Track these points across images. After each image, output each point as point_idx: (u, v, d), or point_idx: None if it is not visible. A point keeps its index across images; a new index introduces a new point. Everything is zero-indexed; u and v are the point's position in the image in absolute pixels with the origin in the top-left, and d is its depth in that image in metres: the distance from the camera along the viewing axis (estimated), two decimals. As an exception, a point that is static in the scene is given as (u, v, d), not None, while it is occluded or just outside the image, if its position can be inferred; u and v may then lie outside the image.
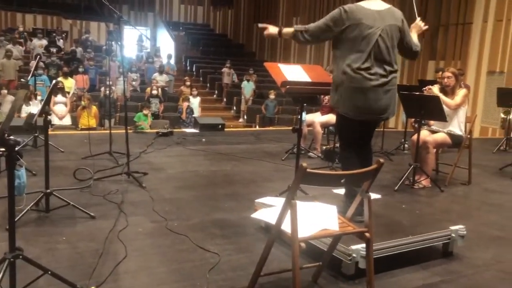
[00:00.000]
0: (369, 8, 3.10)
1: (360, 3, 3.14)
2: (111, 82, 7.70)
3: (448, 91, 4.81)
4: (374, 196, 3.76)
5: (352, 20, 3.06)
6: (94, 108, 9.53)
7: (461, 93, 4.77)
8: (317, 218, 2.32)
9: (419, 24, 3.47)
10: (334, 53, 3.25)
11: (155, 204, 3.76)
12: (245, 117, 13.59)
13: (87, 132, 6.51)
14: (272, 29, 3.33)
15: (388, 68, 3.12)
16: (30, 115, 3.62)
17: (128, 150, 4.48)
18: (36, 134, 5.76)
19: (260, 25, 3.44)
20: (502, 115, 8.34)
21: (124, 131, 4.61)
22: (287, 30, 3.28)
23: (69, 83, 10.90)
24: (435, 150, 4.88)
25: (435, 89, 4.90)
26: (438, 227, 3.12)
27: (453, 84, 4.79)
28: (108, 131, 5.60)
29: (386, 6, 3.17)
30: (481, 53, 10.30)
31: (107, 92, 8.00)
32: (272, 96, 12.55)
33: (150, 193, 4.04)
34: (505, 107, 7.28)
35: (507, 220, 3.80)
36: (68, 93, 10.35)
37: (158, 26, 21.64)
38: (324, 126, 6.32)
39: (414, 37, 3.37)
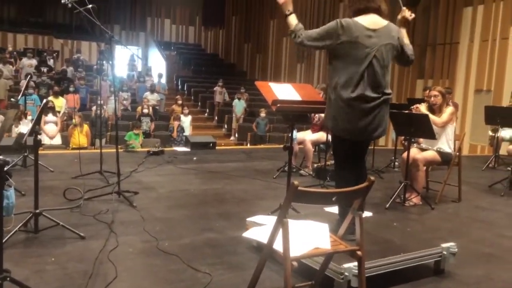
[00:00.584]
0: (367, 26, 3.05)
1: (358, 19, 3.08)
2: (102, 101, 7.70)
3: (436, 109, 4.88)
4: (365, 214, 3.78)
5: (348, 36, 3.02)
6: (86, 127, 9.49)
7: (448, 111, 4.83)
8: (309, 236, 2.31)
9: (405, 15, 3.35)
10: (328, 69, 3.23)
11: (146, 223, 3.73)
12: (236, 135, 13.62)
13: (77, 151, 6.48)
14: (287, 5, 3.27)
15: (380, 90, 3.10)
16: (20, 135, 3.59)
17: (119, 169, 4.46)
18: (26, 154, 5.72)
19: None
20: (490, 133, 8.44)
21: (115, 150, 4.60)
22: (290, 21, 3.21)
23: (60, 103, 10.87)
24: (425, 167, 4.91)
25: (423, 108, 4.97)
26: (429, 244, 3.12)
27: (440, 102, 4.86)
28: (99, 150, 5.58)
29: (383, 23, 3.13)
30: (468, 72, 10.48)
31: (98, 111, 7.99)
32: (263, 114, 12.61)
33: (141, 213, 4.01)
34: (493, 125, 7.38)
35: (498, 237, 3.82)
36: (59, 112, 10.32)
37: (150, 45, 21.77)
38: (315, 144, 6.35)
39: (405, 39, 3.29)
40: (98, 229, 3.55)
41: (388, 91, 3.17)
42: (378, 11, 3.13)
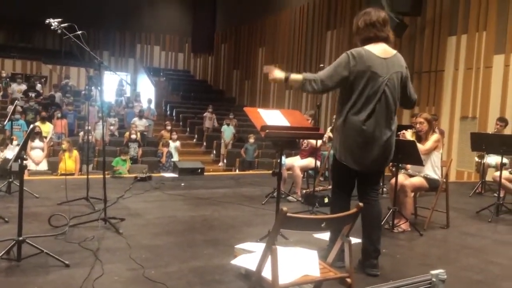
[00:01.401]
0: (377, 55, 3.06)
1: (368, 48, 3.09)
2: (89, 127, 7.67)
3: (422, 136, 4.95)
4: (354, 240, 3.75)
5: (361, 66, 3.02)
6: (75, 152, 9.36)
7: (432, 138, 4.88)
8: (298, 263, 2.29)
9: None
10: (338, 97, 3.21)
11: (132, 251, 3.66)
12: (225, 161, 13.60)
13: (63, 177, 6.39)
14: (278, 74, 3.13)
15: (391, 121, 3.13)
16: (5, 160, 3.55)
17: (105, 196, 4.40)
18: (11, 180, 5.63)
19: (265, 68, 3.25)
20: (477, 159, 8.54)
21: (102, 176, 4.55)
22: (295, 77, 3.10)
23: (47, 128, 10.80)
24: (413, 193, 4.93)
25: (408, 134, 5.03)
26: (419, 271, 3.10)
27: (426, 129, 4.92)
28: (85, 176, 5.52)
29: (392, 52, 3.16)
30: (454, 99, 10.66)
31: (86, 137, 7.95)
32: (251, 140, 12.64)
33: (127, 240, 3.94)
34: (479, 151, 7.47)
35: (486, 263, 3.82)
36: (46, 138, 10.23)
37: (139, 71, 21.92)
38: (304, 170, 6.36)
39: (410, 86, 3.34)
40: (83, 256, 3.48)
41: (395, 122, 3.21)
42: (386, 40, 3.16)
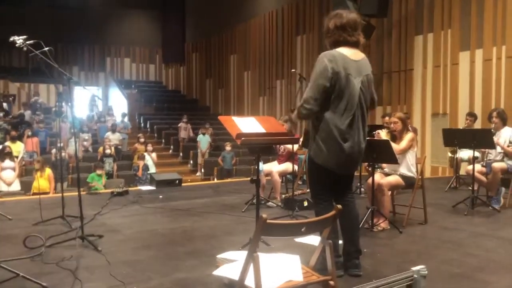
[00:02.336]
0: (350, 57, 3.06)
1: (340, 50, 3.08)
2: (62, 144, 7.51)
3: (396, 135, 5.02)
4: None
5: (338, 68, 3.00)
6: (48, 170, 9.15)
7: (407, 137, 4.96)
8: (280, 269, 2.28)
9: None
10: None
11: (112, 267, 3.59)
12: (203, 170, 13.53)
13: (37, 196, 6.24)
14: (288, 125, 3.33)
15: (365, 123, 3.16)
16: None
17: (82, 213, 4.31)
18: (-18, 203, 5.46)
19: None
20: (450, 154, 8.72)
21: (77, 193, 4.46)
22: (294, 113, 3.25)
23: (18, 147, 10.54)
24: (390, 192, 5.00)
25: (383, 134, 5.10)
26: (400, 268, 3.14)
27: (400, 128, 5.00)
28: (60, 195, 5.39)
29: (361, 55, 3.17)
30: (424, 97, 10.88)
31: (59, 154, 7.79)
32: (228, 148, 12.61)
33: (107, 257, 3.86)
34: (451, 146, 7.63)
35: (465, 256, 3.89)
36: (17, 157, 9.98)
37: (110, 85, 21.64)
38: (282, 174, 6.38)
39: None
40: (62, 277, 3.39)
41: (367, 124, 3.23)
42: (356, 45, 3.14)
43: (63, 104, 8.29)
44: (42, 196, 6.03)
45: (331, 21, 3.16)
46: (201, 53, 21.27)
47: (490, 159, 6.18)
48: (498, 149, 6.03)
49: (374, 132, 5.23)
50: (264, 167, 6.29)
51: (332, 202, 3.31)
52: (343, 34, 3.09)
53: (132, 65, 22.77)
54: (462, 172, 7.69)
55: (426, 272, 3.06)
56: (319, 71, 3.03)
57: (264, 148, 5.68)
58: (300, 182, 7.19)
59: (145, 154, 11.51)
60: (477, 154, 6.37)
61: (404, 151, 4.89)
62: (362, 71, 3.13)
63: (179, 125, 15.64)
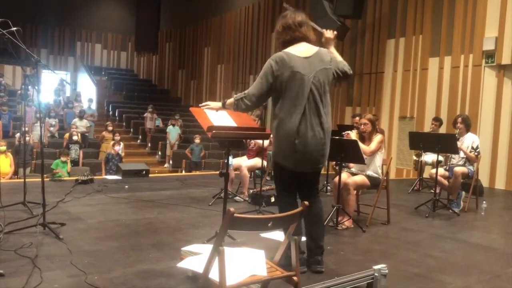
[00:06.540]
0: (299, 55, 3.12)
1: (289, 50, 3.15)
2: (27, 128, 7.30)
3: (366, 136, 5.11)
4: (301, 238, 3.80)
5: (284, 69, 3.08)
6: (9, 155, 8.87)
7: (376, 139, 5.05)
8: (245, 264, 2.29)
9: (328, 35, 3.49)
10: (272, 101, 3.26)
11: (73, 256, 3.52)
12: (171, 162, 13.39)
13: (-3, 181, 6.05)
14: (215, 104, 3.47)
15: (321, 120, 3.16)
16: None
17: (44, 200, 4.20)
18: None
19: (201, 105, 3.51)
20: (415, 157, 8.93)
21: (40, 179, 4.34)
22: (229, 101, 3.31)
23: (-21, 130, 10.18)
24: (355, 191, 5.09)
25: (353, 134, 5.19)
26: (362, 267, 3.21)
27: (369, 130, 5.09)
28: (22, 180, 5.24)
29: (314, 50, 3.20)
30: (393, 99, 11.11)
31: (23, 138, 7.56)
32: (197, 141, 12.52)
33: (68, 245, 3.78)
34: (416, 149, 7.82)
35: (424, 257, 4.00)
36: (-23, 140, 9.63)
37: (79, 70, 21.13)
38: (251, 169, 6.39)
39: (338, 57, 3.39)
40: (20, 264, 3.30)
41: (328, 123, 3.23)
42: (305, 39, 3.22)
43: (29, 87, 8.05)
44: (2, 181, 5.85)
45: (279, 23, 3.29)
46: (174, 43, 21.02)
47: (452, 164, 6.36)
48: (461, 154, 6.22)
49: (344, 133, 5.30)
50: (233, 161, 6.28)
51: (296, 198, 3.35)
52: (289, 32, 3.21)
53: (103, 51, 22.32)
54: (425, 175, 7.89)
55: (387, 271, 3.13)
56: (263, 71, 3.17)
57: (234, 142, 5.68)
58: (268, 178, 7.23)
59: (116, 147, 11.16)
60: (440, 158, 6.55)
61: (373, 153, 4.99)
62: (315, 67, 3.16)
63: (144, 115, 15.41)
